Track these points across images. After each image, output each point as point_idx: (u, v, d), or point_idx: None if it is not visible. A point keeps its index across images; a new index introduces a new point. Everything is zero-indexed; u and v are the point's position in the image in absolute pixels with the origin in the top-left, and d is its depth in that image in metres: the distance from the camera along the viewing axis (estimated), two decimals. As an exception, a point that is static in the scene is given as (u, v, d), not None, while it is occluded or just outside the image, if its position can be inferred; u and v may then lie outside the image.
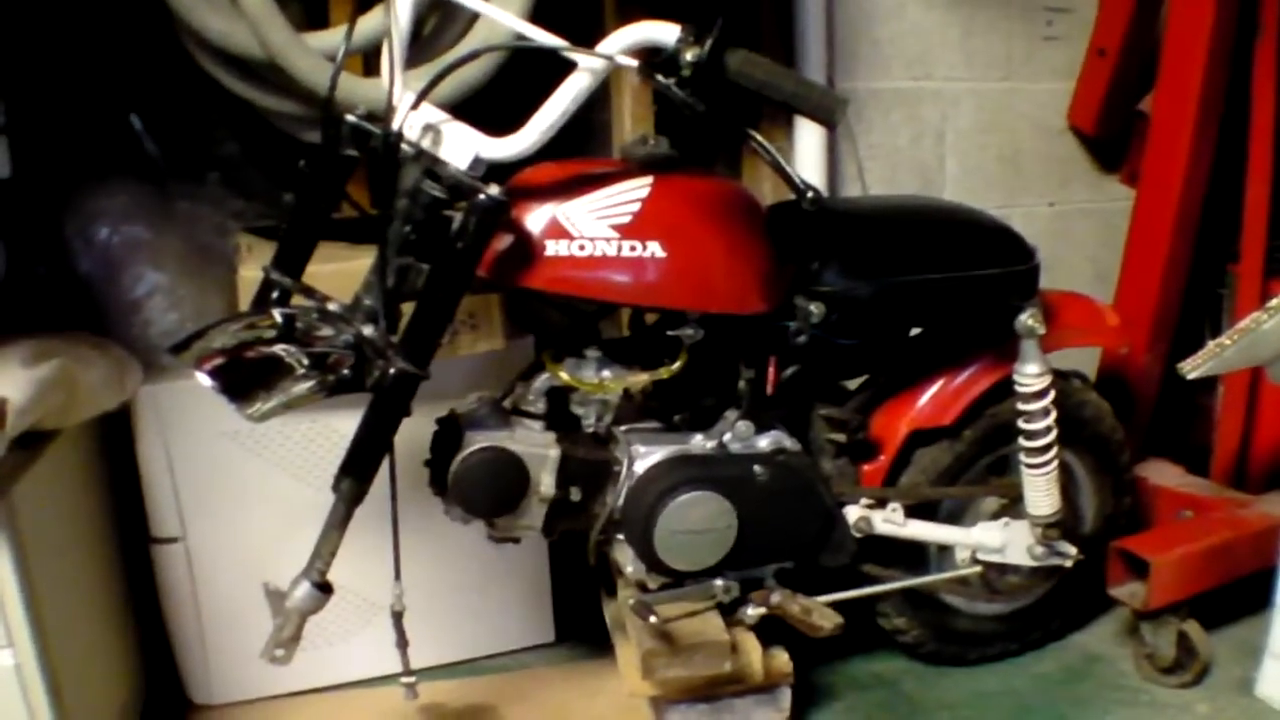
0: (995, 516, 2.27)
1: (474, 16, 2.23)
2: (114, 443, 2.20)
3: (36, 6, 2.26)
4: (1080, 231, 3.15)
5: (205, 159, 2.54)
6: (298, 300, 1.80)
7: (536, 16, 2.13)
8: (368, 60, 2.29)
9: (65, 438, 1.98)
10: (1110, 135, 3.04)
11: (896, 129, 2.86)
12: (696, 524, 1.93)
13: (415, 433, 1.78)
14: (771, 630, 2.09)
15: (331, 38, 2.23)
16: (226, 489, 2.19)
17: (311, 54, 2.14)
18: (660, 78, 1.64)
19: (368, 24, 2.07)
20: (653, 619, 1.92)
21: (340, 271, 1.96)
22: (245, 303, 1.99)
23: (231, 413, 1.62)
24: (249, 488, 2.20)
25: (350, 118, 1.75)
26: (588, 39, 1.71)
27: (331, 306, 1.77)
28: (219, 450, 2.17)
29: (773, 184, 2.60)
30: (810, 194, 1.79)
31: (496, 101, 2.12)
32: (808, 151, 2.62)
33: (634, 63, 1.67)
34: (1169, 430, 2.90)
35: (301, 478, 2.21)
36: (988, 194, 2.98)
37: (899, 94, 2.83)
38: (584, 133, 1.71)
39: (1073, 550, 2.28)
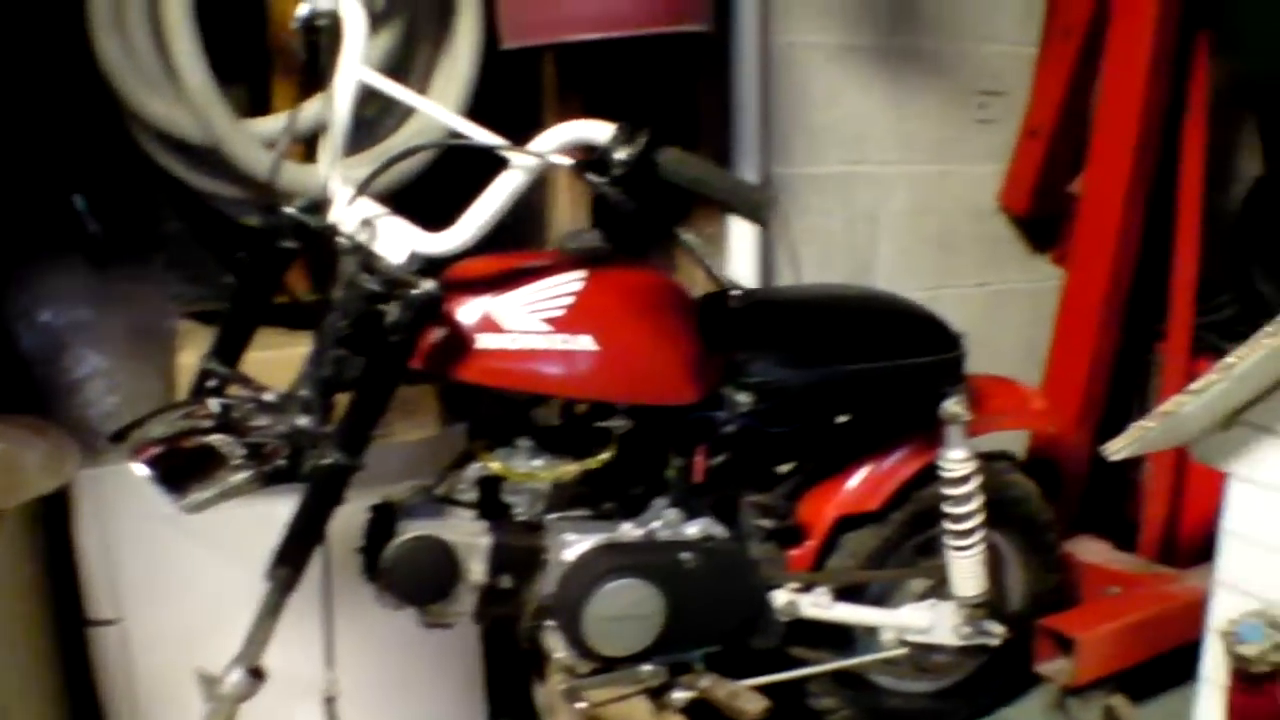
0: (923, 597, 2.30)
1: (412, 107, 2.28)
2: (51, 524, 2.20)
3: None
4: (1012, 311, 3.19)
5: (150, 239, 2.54)
6: (234, 389, 1.82)
7: (476, 108, 2.18)
8: (310, 146, 2.31)
9: (2, 519, 1.98)
10: (1042, 216, 3.08)
11: (830, 212, 2.89)
12: (624, 611, 1.94)
13: (348, 518, 1.79)
14: (705, 713, 2.11)
15: (273, 124, 2.26)
16: (164, 573, 2.18)
17: (252, 140, 2.18)
18: (593, 176, 1.66)
19: (308, 112, 2.09)
20: (581, 705, 1.94)
21: (275, 359, 1.98)
22: (183, 388, 2.00)
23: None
24: (187, 572, 2.19)
25: (288, 209, 1.78)
26: (527, 133, 1.73)
27: (267, 396, 1.79)
28: (157, 534, 2.15)
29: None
30: (735, 291, 1.83)
31: (427, 187, 2.15)
32: (742, 237, 2.65)
33: (567, 161, 1.70)
34: (1101, 505, 2.94)
35: (240, 563, 2.18)
36: (920, 275, 3.02)
37: (833, 178, 2.86)
38: (521, 219, 1.74)
39: (1000, 629, 2.31)
